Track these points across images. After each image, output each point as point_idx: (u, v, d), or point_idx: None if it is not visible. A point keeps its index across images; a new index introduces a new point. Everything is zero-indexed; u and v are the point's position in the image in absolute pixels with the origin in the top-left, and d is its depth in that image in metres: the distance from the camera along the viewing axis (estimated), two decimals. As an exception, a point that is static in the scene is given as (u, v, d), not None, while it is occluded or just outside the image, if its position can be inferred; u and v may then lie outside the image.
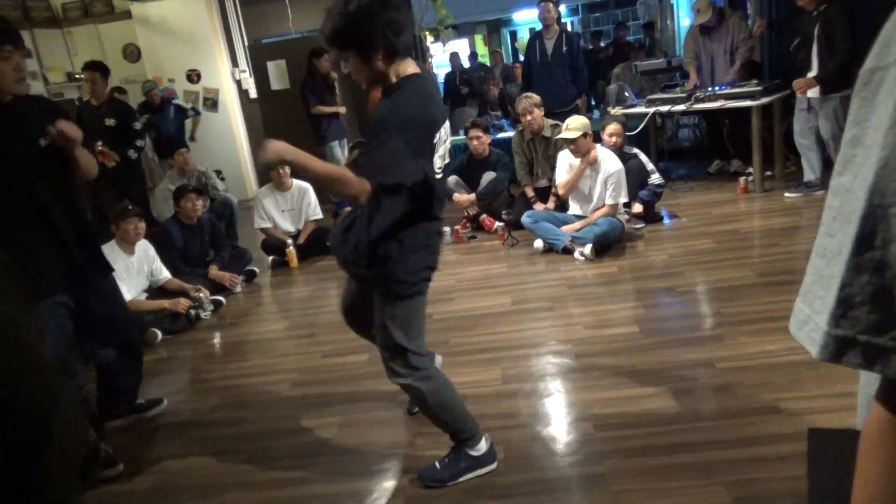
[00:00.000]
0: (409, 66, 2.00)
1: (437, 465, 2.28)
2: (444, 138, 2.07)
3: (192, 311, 4.20)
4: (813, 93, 4.75)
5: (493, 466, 2.28)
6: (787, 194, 5.11)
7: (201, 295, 4.31)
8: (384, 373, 2.73)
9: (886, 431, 0.51)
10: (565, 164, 4.67)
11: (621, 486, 2.11)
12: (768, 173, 5.57)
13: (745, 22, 5.94)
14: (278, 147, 1.90)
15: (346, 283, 2.43)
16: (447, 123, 2.09)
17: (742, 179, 5.42)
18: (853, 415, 0.75)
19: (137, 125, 5.71)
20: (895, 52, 0.51)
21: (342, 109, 6.42)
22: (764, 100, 5.18)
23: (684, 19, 12.83)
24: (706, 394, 2.59)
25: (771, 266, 3.80)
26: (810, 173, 5.05)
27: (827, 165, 4.88)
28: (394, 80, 1.97)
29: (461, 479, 2.24)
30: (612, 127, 5.00)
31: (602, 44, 10.77)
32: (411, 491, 2.27)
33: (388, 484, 2.34)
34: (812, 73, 4.73)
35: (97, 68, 5.45)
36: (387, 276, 2.05)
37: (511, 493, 2.17)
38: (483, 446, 2.26)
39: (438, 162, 2.04)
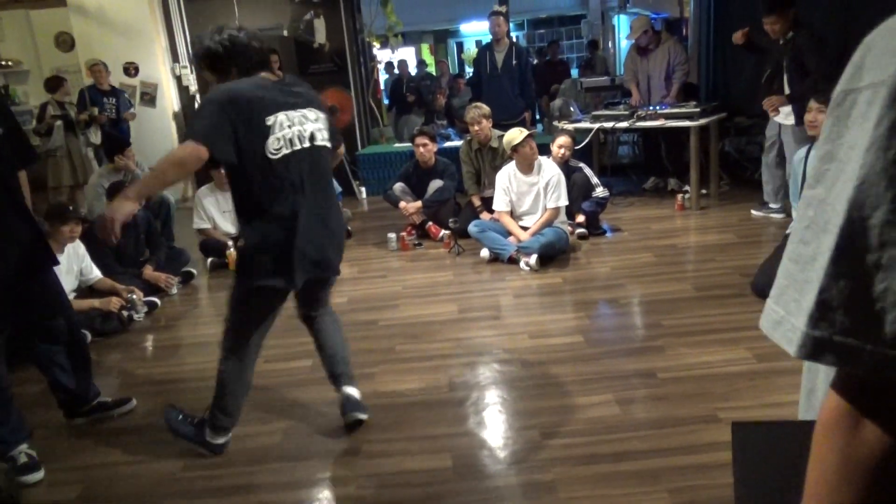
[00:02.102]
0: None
1: (182, 417, 2.58)
2: (287, 125, 2.26)
3: (125, 313, 4.01)
4: (785, 119, 4.72)
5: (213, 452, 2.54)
6: (753, 212, 5.23)
7: (134, 297, 4.12)
8: (327, 379, 2.70)
9: (842, 418, 0.54)
10: (504, 181, 4.68)
11: (570, 493, 2.13)
12: (703, 192, 5.80)
13: (681, 45, 6.16)
14: (115, 210, 2.12)
15: None
16: (295, 113, 2.29)
17: (679, 197, 5.61)
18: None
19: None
20: (866, 77, 0.55)
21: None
22: (702, 121, 5.39)
23: (623, 40, 13.30)
24: (649, 403, 2.65)
25: (707, 280, 3.94)
26: (775, 199, 5.13)
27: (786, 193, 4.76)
28: None
29: (185, 440, 2.55)
30: (563, 139, 5.09)
31: (546, 58, 11.00)
32: (359, 499, 2.23)
33: (337, 492, 2.29)
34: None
35: None
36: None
37: (460, 501, 2.16)
38: (221, 441, 2.54)
39: (276, 143, 2.24)
